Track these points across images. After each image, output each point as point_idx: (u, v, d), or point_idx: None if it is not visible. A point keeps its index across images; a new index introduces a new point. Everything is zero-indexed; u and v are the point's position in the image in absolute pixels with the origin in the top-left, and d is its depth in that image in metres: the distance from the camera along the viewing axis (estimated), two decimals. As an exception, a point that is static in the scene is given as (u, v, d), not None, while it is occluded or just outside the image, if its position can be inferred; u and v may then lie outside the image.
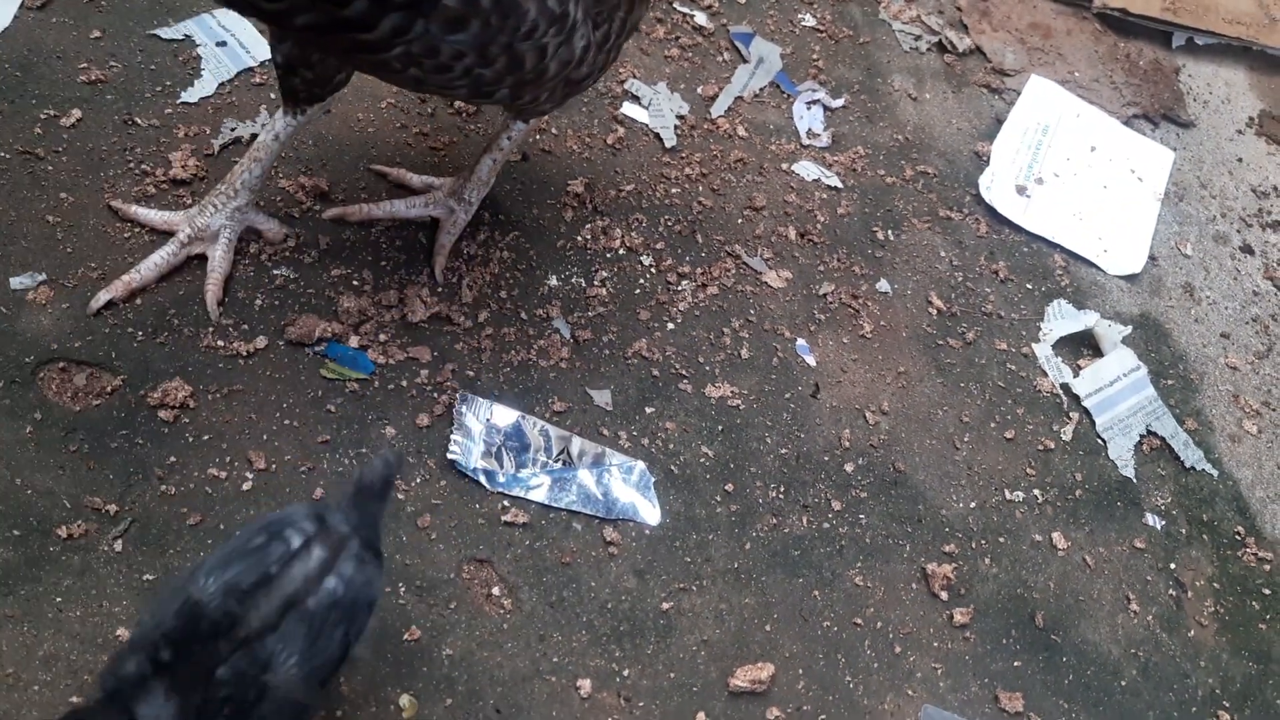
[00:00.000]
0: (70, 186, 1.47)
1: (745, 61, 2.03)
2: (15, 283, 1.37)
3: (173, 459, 1.30)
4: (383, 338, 1.46)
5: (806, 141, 1.94)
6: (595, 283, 1.62)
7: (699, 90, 1.94)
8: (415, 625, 1.26)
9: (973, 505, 1.58)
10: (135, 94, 1.60)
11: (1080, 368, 1.79)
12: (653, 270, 1.67)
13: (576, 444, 1.45)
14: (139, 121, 1.57)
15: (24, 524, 1.21)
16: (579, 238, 1.66)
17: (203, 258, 1.44)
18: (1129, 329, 1.84)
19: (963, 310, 1.79)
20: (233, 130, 1.60)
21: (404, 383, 1.43)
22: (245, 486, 1.30)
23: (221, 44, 1.70)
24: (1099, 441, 1.71)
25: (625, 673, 1.31)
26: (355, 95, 1.70)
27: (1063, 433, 1.70)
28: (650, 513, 1.43)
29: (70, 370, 1.33)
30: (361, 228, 1.55)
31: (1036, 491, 1.62)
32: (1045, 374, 1.76)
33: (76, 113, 1.54)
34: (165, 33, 1.68)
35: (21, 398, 1.29)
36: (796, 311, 1.70)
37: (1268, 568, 1.68)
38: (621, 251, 1.67)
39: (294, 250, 1.51)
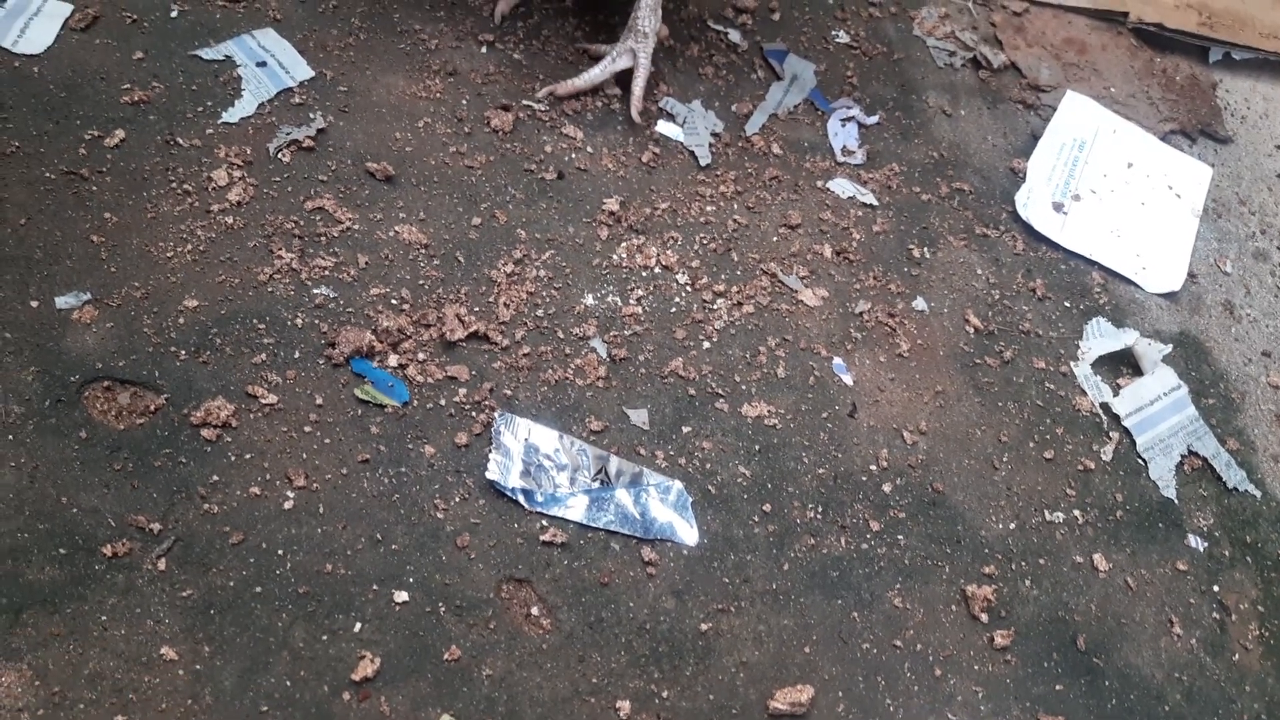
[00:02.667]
0: (114, 206, 1.49)
1: (779, 79, 2.03)
2: (61, 302, 1.39)
3: (215, 477, 1.31)
4: (421, 356, 1.47)
5: (841, 159, 1.94)
6: (631, 301, 1.62)
7: (733, 108, 1.94)
8: (455, 645, 1.26)
9: (1012, 526, 1.56)
10: (177, 114, 1.61)
11: (1120, 387, 1.77)
12: (688, 289, 1.66)
13: (614, 463, 1.45)
14: (181, 141, 1.58)
15: (70, 542, 1.22)
16: (614, 256, 1.67)
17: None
18: (1169, 347, 1.83)
19: (1000, 329, 1.78)
20: (288, 134, 1.62)
21: (442, 401, 1.44)
22: (286, 505, 1.31)
23: (261, 64, 1.71)
24: (1140, 462, 1.69)
25: (664, 694, 1.30)
26: (393, 115, 1.71)
27: (1103, 453, 1.68)
28: (688, 533, 1.43)
29: (115, 389, 1.35)
30: (399, 247, 1.56)
31: (1077, 512, 1.61)
32: (1084, 393, 1.74)
33: (120, 133, 1.56)
34: (206, 54, 1.70)
35: (67, 416, 1.31)
36: (833, 330, 1.69)
37: (1313, 591, 1.65)
38: (657, 270, 1.67)
39: (333, 269, 1.52)
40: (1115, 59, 2.31)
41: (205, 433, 1.33)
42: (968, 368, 1.71)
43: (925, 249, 1.85)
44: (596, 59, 1.91)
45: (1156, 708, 1.46)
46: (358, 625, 1.25)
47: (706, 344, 1.61)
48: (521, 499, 1.38)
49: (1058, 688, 1.44)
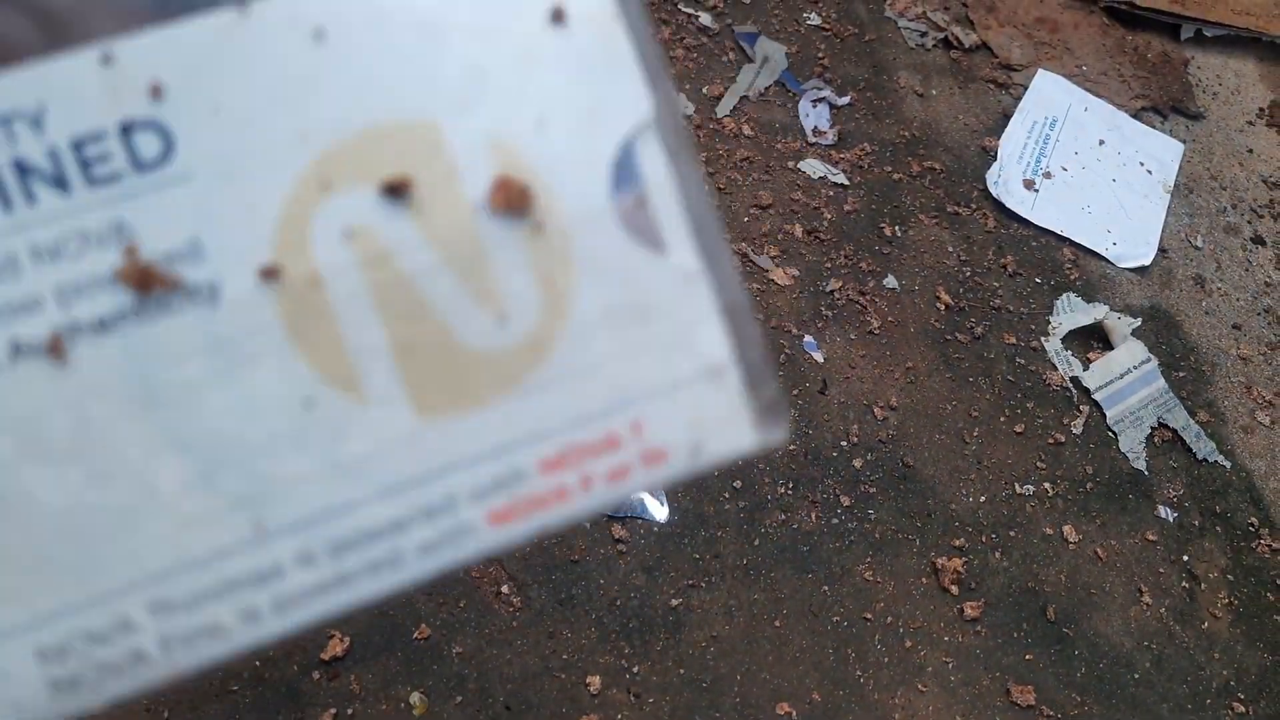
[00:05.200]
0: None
1: (750, 61, 2.03)
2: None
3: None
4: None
5: (813, 139, 1.95)
6: (602, 282, 1.63)
7: (704, 90, 1.95)
8: (425, 623, 1.27)
9: (983, 499, 1.58)
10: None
11: (1090, 361, 1.78)
12: (659, 269, 1.67)
13: (584, 442, 1.46)
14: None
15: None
16: (585, 238, 1.67)
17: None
18: (1139, 321, 1.84)
19: (971, 305, 1.79)
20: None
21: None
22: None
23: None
24: (1110, 434, 1.71)
25: (635, 669, 1.31)
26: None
27: (1073, 426, 1.70)
28: (658, 509, 1.44)
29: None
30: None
31: (1047, 485, 1.62)
32: (1055, 367, 1.75)
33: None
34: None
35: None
36: (804, 308, 1.70)
37: (1282, 559, 1.67)
38: (628, 251, 1.68)
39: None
40: (1087, 37, 2.32)
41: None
42: (938, 344, 1.72)
43: (896, 227, 1.86)
44: None
45: (1126, 675, 1.47)
46: (328, 605, 1.26)
47: (677, 324, 1.62)
48: (491, 479, 1.39)
49: (1027, 657, 1.45)
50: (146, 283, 0.20)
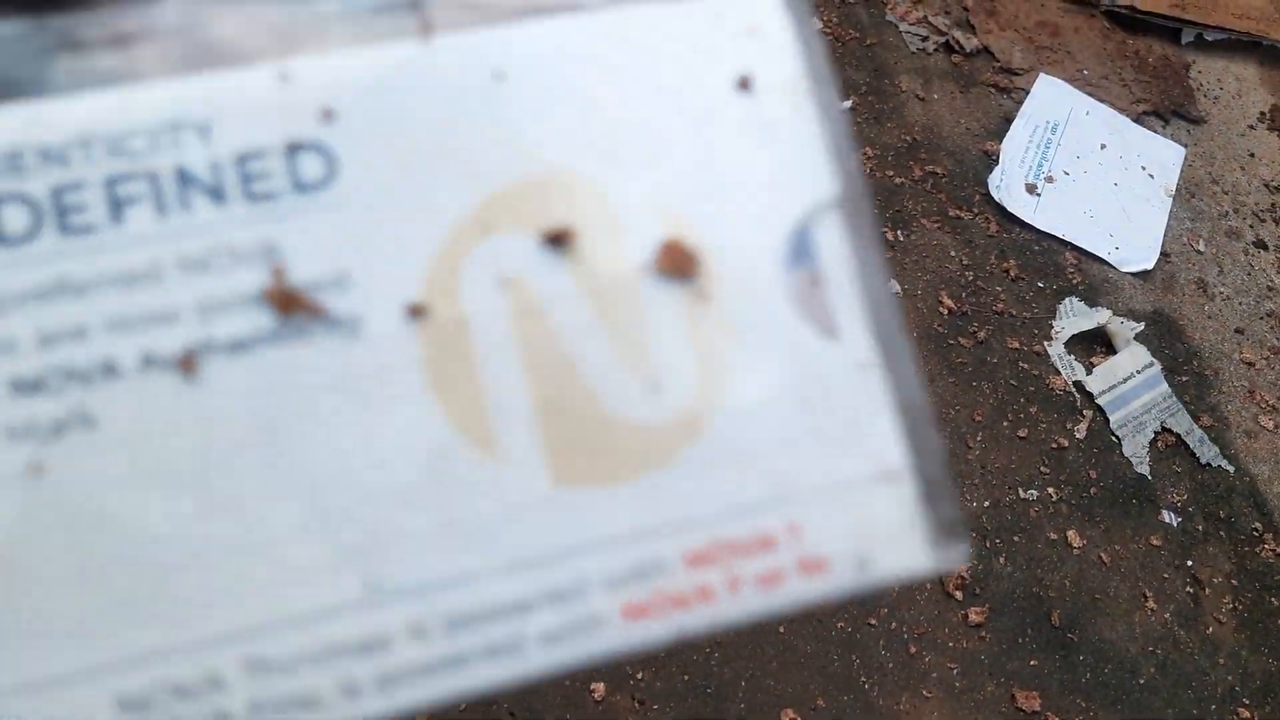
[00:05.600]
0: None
1: (752, 65, 2.03)
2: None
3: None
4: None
5: (814, 143, 1.95)
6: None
7: (706, 94, 1.95)
8: (429, 630, 1.27)
9: (986, 504, 1.57)
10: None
11: (1093, 365, 1.78)
12: (662, 274, 1.67)
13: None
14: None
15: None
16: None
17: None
18: (1142, 326, 1.84)
19: (974, 309, 1.79)
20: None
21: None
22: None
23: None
24: (1113, 439, 1.70)
25: (639, 675, 1.31)
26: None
27: (1076, 431, 1.69)
28: (662, 515, 1.43)
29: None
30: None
31: (1051, 490, 1.62)
32: (1058, 372, 1.75)
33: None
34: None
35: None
36: (806, 313, 1.70)
37: (1286, 564, 1.67)
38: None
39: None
40: (1088, 41, 2.32)
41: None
42: (941, 349, 1.72)
43: (899, 232, 1.85)
44: None
45: (1131, 681, 1.47)
46: (331, 611, 1.26)
47: (680, 328, 1.62)
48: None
49: (1032, 663, 1.45)
50: (290, 307, 0.19)
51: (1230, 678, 1.52)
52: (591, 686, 1.28)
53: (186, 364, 0.19)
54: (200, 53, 0.19)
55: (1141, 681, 1.48)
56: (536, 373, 0.20)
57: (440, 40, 0.20)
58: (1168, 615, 1.56)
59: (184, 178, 0.19)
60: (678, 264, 0.21)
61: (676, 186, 0.21)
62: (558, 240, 0.20)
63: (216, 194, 0.19)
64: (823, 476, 0.22)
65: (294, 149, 0.19)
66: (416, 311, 0.19)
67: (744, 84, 0.21)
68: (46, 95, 0.19)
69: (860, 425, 0.22)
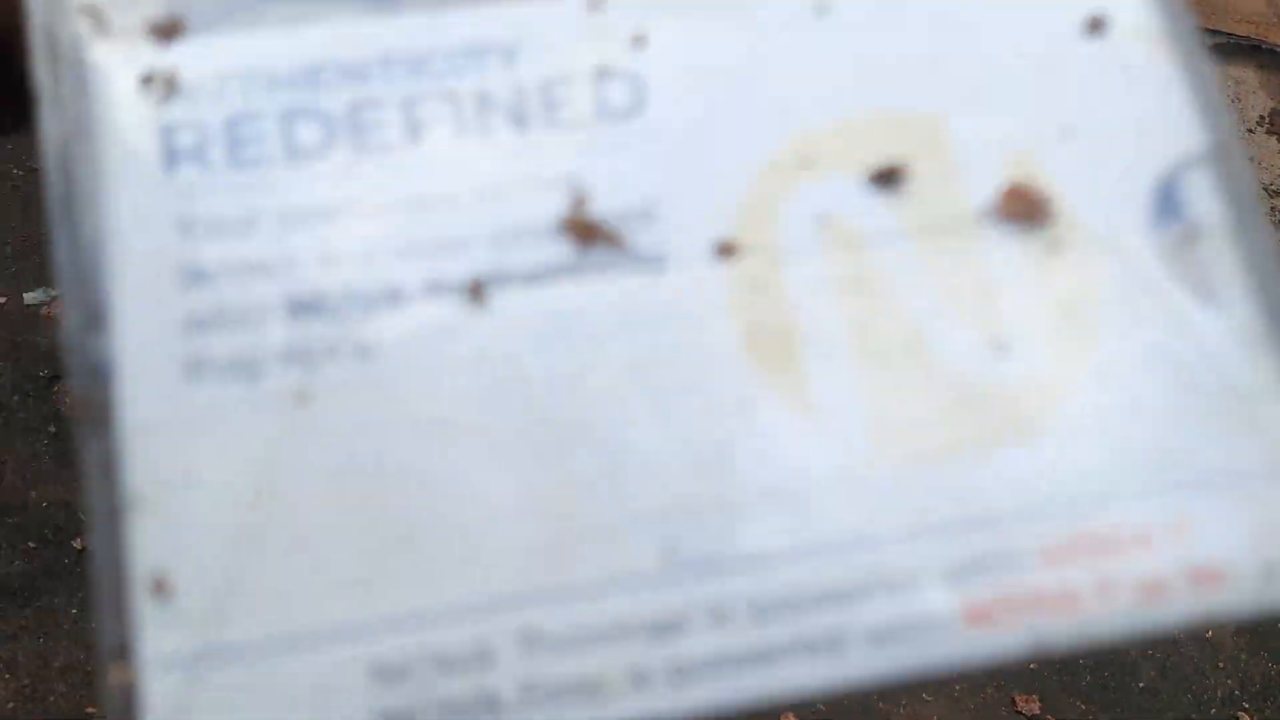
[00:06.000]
0: (83, 202, 1.49)
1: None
2: (29, 298, 1.39)
3: (186, 470, 1.31)
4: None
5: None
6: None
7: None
8: (428, 633, 1.27)
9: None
10: (147, 110, 1.62)
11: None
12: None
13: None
14: (150, 137, 1.59)
15: (39, 536, 1.23)
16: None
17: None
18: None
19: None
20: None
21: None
22: (258, 496, 1.31)
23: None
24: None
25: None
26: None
27: (1076, 434, 1.69)
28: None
29: (84, 383, 1.35)
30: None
31: (1050, 493, 1.62)
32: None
33: (89, 130, 1.56)
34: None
35: (37, 411, 1.31)
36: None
37: (1286, 567, 1.67)
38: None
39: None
40: (1087, 45, 2.32)
41: (176, 425, 1.33)
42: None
43: None
44: None
45: (1131, 684, 1.47)
46: (330, 614, 1.26)
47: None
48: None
49: (1032, 666, 1.45)
50: (590, 239, 0.17)
51: (1230, 681, 1.52)
52: (590, 689, 1.28)
53: (475, 294, 0.17)
54: None
55: (1141, 684, 1.48)
56: (859, 322, 0.18)
57: None
58: (1167, 618, 1.55)
59: (485, 101, 0.18)
60: (1025, 209, 0.19)
61: (1022, 128, 0.19)
62: (886, 179, 0.18)
63: (518, 119, 0.18)
64: (1210, 466, 0.18)
65: (602, 75, 0.18)
66: (726, 249, 0.18)
67: (1095, 26, 0.20)
68: (349, 14, 0.18)
69: (1255, 410, 0.19)
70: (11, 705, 1.12)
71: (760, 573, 0.17)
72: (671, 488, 0.17)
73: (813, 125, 0.19)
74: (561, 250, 0.18)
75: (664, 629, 0.17)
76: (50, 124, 0.17)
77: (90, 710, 1.13)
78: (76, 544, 1.23)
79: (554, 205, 0.18)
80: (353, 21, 0.18)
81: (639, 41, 0.18)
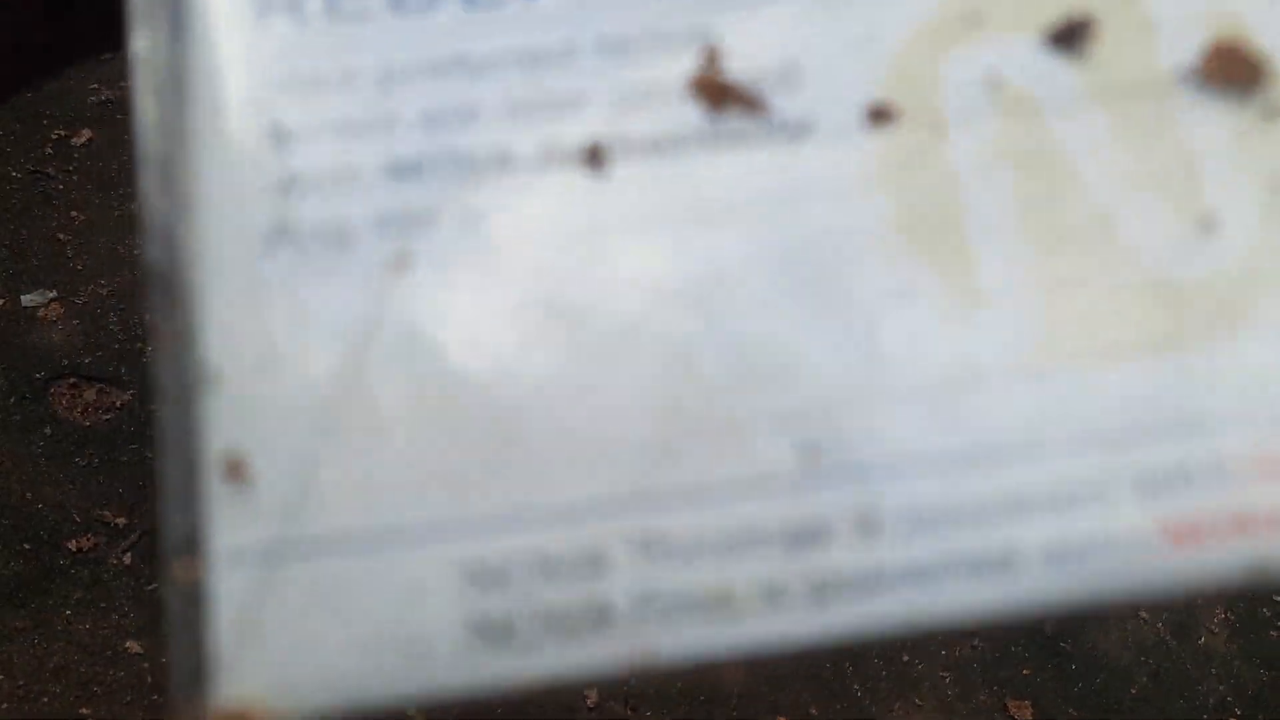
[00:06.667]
0: (81, 204, 1.49)
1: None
2: (26, 299, 1.39)
3: (181, 472, 1.31)
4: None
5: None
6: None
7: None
8: (422, 636, 1.27)
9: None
10: (145, 113, 1.62)
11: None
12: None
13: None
14: (148, 140, 1.59)
15: (34, 537, 1.23)
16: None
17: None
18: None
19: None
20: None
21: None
22: (253, 499, 1.31)
23: (230, 63, 1.72)
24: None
25: (632, 682, 1.31)
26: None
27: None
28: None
29: (81, 385, 1.35)
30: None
31: (1044, 499, 1.62)
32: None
33: (87, 132, 1.56)
34: (174, 53, 1.70)
35: (33, 412, 1.31)
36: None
37: (1279, 574, 1.67)
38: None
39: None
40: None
41: (172, 428, 1.33)
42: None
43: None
44: None
45: (1123, 691, 1.47)
46: (325, 617, 1.26)
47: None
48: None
49: (1025, 672, 1.45)
50: (723, 101, 0.16)
51: (1222, 688, 1.53)
52: (585, 692, 1.28)
53: (594, 159, 0.16)
54: None
55: (1134, 691, 1.48)
56: (1034, 200, 0.16)
57: None
58: (1160, 625, 1.56)
59: None
60: (1234, 71, 0.16)
61: None
62: (1067, 37, 0.16)
63: None
64: None
65: None
66: (879, 115, 0.16)
67: None
68: None
69: None
70: (5, 707, 1.12)
71: (914, 479, 0.15)
72: (812, 382, 0.15)
73: None
74: (691, 114, 0.16)
75: (803, 538, 0.15)
76: None
77: (84, 711, 1.13)
78: (72, 545, 1.23)
79: (683, 64, 0.16)
80: None
81: None
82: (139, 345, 1.39)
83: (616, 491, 0.15)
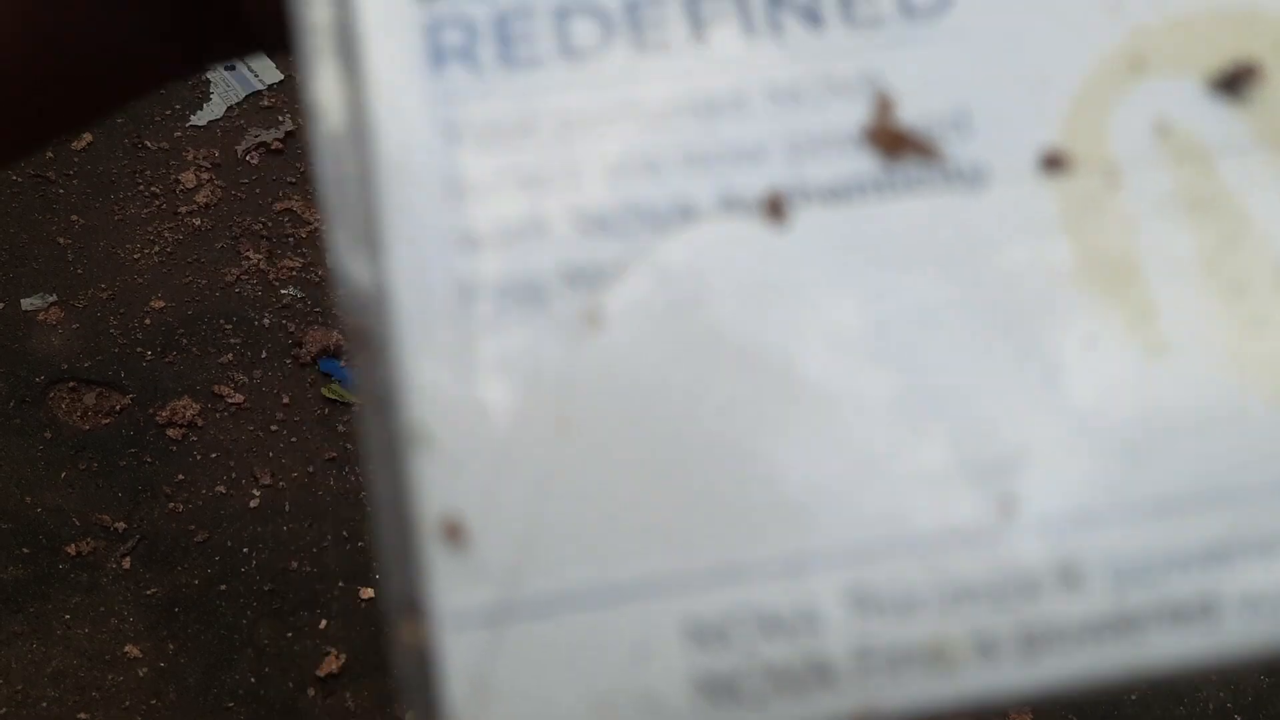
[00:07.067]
0: (81, 209, 1.49)
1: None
2: (26, 303, 1.39)
3: (181, 476, 1.31)
4: (389, 355, 1.47)
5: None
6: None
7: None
8: (421, 641, 1.27)
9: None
10: (145, 118, 1.62)
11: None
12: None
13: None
14: (149, 145, 1.59)
15: (33, 542, 1.22)
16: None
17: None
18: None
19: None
20: (256, 136, 1.63)
21: (410, 400, 1.44)
22: (252, 504, 1.31)
23: (230, 68, 1.72)
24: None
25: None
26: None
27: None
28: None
29: (80, 389, 1.35)
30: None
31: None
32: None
33: (87, 136, 1.56)
34: (175, 57, 1.71)
35: (32, 416, 1.31)
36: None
37: (1278, 580, 1.67)
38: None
39: (301, 269, 1.52)
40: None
41: (171, 432, 1.33)
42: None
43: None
44: None
45: (1123, 696, 1.47)
46: (324, 622, 1.25)
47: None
48: (489, 495, 1.39)
49: (1025, 678, 1.45)
50: (897, 149, 0.16)
51: (1222, 694, 1.53)
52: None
53: (774, 209, 0.16)
54: None
55: (1134, 697, 1.48)
56: (1210, 246, 0.16)
57: None
58: (1160, 631, 1.56)
59: None
60: None
61: None
62: (1231, 83, 0.16)
63: (812, 16, 0.16)
64: None
65: None
66: (1054, 161, 0.16)
67: None
68: None
69: None
70: (4, 711, 1.12)
71: (1113, 528, 0.15)
72: (1006, 431, 0.15)
73: (1144, 20, 0.17)
74: (866, 162, 0.16)
75: (1009, 591, 0.15)
76: (309, 11, 0.16)
77: (82, 716, 1.13)
78: (71, 549, 1.22)
79: (856, 112, 0.16)
80: None
81: None
82: (139, 349, 1.39)
83: (825, 544, 0.15)
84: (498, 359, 0.15)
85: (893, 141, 0.16)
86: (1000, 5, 0.17)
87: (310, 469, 1.35)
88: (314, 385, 1.42)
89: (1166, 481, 0.15)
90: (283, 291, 1.49)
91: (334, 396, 1.42)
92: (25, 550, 1.22)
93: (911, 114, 0.16)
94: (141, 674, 1.17)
